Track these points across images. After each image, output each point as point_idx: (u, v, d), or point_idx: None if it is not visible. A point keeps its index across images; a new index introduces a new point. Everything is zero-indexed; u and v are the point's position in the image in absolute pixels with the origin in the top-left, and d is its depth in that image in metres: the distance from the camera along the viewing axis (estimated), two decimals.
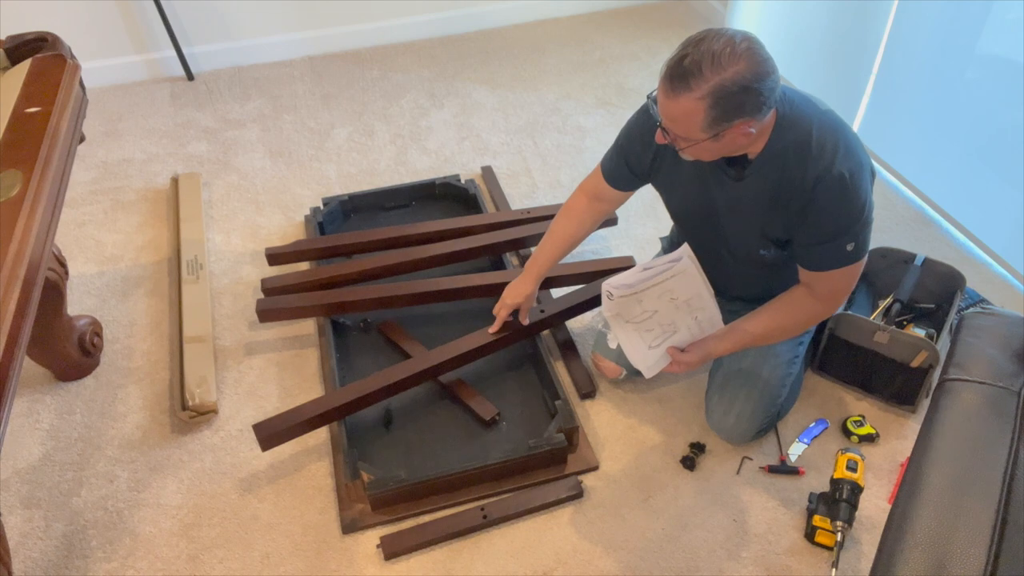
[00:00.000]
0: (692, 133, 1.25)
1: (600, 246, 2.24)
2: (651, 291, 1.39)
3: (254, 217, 2.37)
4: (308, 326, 2.03)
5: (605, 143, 2.64)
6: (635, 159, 1.56)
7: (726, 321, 1.77)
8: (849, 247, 1.37)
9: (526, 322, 1.77)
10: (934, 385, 1.20)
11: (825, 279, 1.43)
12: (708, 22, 3.29)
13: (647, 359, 1.50)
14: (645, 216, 2.31)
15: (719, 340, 1.52)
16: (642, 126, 1.52)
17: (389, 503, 1.60)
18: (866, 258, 1.42)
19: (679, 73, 1.20)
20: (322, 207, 2.29)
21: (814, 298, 1.47)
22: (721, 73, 1.17)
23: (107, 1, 2.76)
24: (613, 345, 1.47)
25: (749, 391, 1.64)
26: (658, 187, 1.61)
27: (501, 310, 1.75)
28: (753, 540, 1.56)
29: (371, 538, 1.57)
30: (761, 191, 1.40)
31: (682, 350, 1.51)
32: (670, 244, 1.83)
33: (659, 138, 1.32)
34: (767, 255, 1.51)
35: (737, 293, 1.72)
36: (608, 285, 1.40)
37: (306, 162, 2.58)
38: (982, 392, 1.11)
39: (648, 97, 1.32)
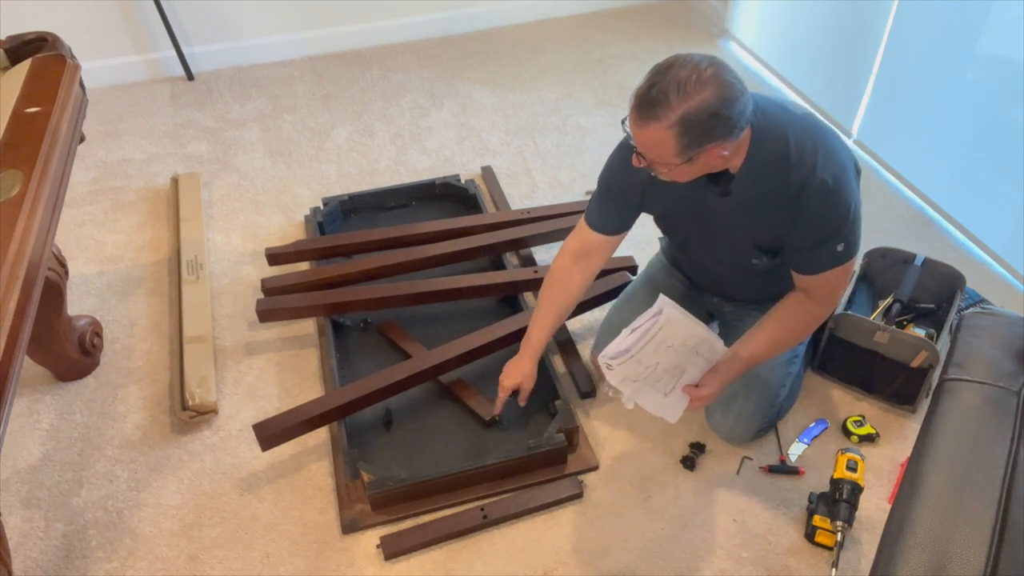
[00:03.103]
0: (665, 159, 1.27)
1: None
2: (646, 349, 1.39)
3: (254, 217, 2.37)
4: (308, 326, 2.03)
5: (605, 143, 2.65)
6: (622, 196, 1.54)
7: (725, 319, 1.78)
8: (839, 248, 1.38)
9: (524, 404, 1.68)
10: (934, 385, 1.20)
11: (821, 281, 1.43)
12: (708, 22, 3.29)
13: (666, 406, 1.49)
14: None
15: (730, 364, 1.48)
16: (623, 161, 1.49)
17: (389, 503, 1.60)
18: (857, 254, 1.42)
19: (647, 102, 1.22)
20: (322, 207, 2.29)
21: (813, 301, 1.48)
22: (687, 102, 1.19)
23: (107, 1, 2.76)
24: (630, 406, 1.46)
25: (748, 391, 1.64)
26: (649, 211, 1.60)
27: (500, 392, 1.66)
28: (753, 540, 1.56)
29: (371, 538, 1.57)
30: (747, 203, 1.40)
31: (696, 385, 1.48)
32: (668, 245, 1.83)
33: (635, 162, 1.32)
34: (759, 264, 1.51)
35: (731, 296, 1.72)
36: (604, 357, 1.39)
37: (306, 162, 2.58)
38: (982, 392, 1.11)
39: (622, 123, 1.32)
